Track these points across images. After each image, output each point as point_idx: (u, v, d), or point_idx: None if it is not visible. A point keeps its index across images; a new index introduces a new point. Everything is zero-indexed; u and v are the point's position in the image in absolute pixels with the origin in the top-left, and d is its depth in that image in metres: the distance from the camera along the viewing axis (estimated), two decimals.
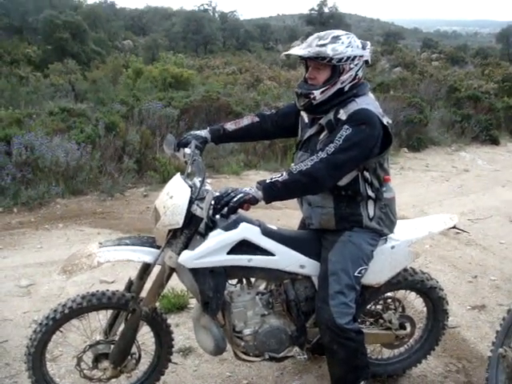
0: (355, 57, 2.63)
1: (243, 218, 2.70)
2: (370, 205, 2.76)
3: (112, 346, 2.88)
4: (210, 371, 3.50)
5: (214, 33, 55.47)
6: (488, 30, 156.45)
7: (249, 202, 2.44)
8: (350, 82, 2.66)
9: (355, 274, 2.75)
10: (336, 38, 2.61)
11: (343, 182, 2.67)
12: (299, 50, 2.68)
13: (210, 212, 2.48)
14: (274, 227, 2.84)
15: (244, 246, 2.69)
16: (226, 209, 2.43)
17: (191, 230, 2.62)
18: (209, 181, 2.73)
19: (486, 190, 8.74)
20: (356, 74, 2.67)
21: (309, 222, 2.92)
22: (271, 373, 3.47)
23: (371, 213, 2.77)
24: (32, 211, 6.88)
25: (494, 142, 13.04)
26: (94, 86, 16.05)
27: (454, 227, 3.20)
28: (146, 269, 2.80)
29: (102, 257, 2.64)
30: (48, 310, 2.83)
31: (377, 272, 2.93)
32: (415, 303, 3.53)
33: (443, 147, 11.91)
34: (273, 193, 2.47)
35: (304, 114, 2.91)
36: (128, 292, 2.87)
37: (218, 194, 2.46)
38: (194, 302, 4.13)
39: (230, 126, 3.09)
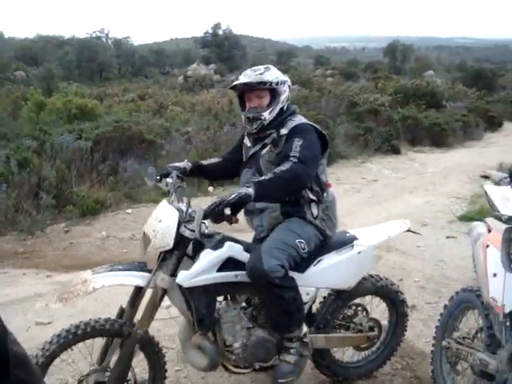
0: (285, 81, 3.16)
1: (228, 237, 2.95)
2: (314, 206, 3.12)
3: (107, 374, 2.91)
4: None
5: (108, 60, 54.59)
6: (374, 45, 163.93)
7: (243, 198, 2.63)
8: (286, 102, 3.17)
9: (294, 241, 3.01)
10: (268, 68, 3.14)
11: None
12: (243, 79, 3.08)
13: (203, 229, 2.77)
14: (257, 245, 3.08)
15: (230, 264, 2.91)
16: (227, 209, 2.63)
17: (181, 251, 2.80)
18: (193, 203, 2.92)
19: (396, 198, 9.29)
20: (288, 95, 3.20)
21: (260, 230, 3.20)
22: None
23: (315, 212, 3.12)
24: None
25: (396, 151, 13.89)
26: None
27: (409, 230, 3.53)
28: (137, 294, 2.90)
29: (98, 282, 2.72)
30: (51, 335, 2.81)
31: (347, 276, 3.25)
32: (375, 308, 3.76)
33: (350, 160, 12.48)
34: (262, 189, 2.73)
35: (246, 140, 3.31)
36: (120, 319, 2.91)
37: (206, 207, 2.63)
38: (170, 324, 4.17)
39: (204, 162, 3.45)
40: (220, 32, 64.67)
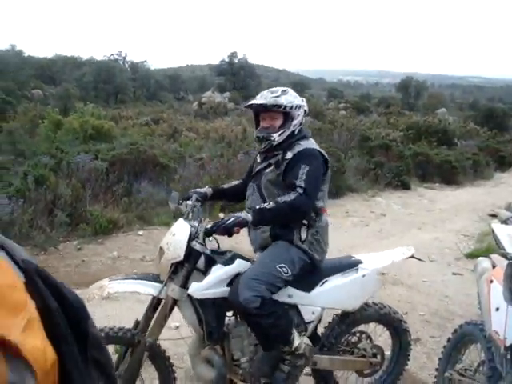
0: (300, 106, 3.27)
1: (238, 255, 3.14)
2: (303, 230, 3.20)
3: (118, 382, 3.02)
4: None
5: (124, 83, 55.36)
6: (388, 80, 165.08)
7: (240, 223, 2.88)
8: (299, 126, 3.25)
9: (274, 268, 3.08)
10: (285, 92, 3.24)
11: None
12: (259, 100, 3.23)
13: (213, 245, 3.05)
14: None
15: None
16: (221, 228, 2.87)
17: (191, 263, 2.99)
18: (207, 220, 3.18)
19: (404, 233, 9.33)
20: (301, 120, 3.31)
21: (254, 247, 3.37)
22: None
23: (303, 236, 3.20)
24: None
25: (406, 186, 13.97)
26: (10, 138, 15.73)
27: (412, 256, 3.68)
28: (152, 306, 3.07)
29: (112, 288, 2.93)
30: None
31: (351, 298, 3.37)
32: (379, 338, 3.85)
33: (360, 193, 12.57)
34: (261, 216, 2.94)
35: (258, 157, 3.47)
36: (135, 330, 3.05)
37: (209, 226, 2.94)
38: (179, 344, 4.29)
39: (225, 185, 3.71)
40: (236, 61, 65.37)
